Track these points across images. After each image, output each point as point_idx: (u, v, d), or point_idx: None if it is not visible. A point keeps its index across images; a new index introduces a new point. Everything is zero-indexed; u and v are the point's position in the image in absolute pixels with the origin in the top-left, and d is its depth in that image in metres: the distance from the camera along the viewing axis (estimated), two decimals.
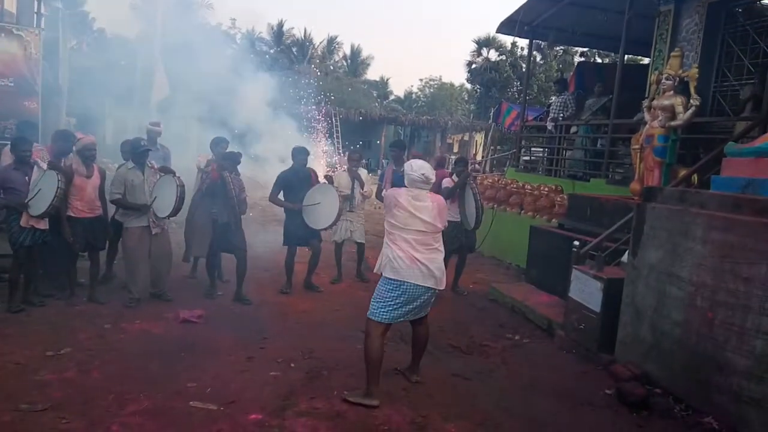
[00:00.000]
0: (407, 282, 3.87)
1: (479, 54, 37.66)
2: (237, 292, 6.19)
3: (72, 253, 5.76)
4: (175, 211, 5.75)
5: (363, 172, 7.53)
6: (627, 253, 5.06)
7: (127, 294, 5.82)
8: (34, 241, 5.35)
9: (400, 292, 3.90)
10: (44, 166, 5.49)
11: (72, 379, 3.98)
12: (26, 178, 5.33)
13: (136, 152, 5.84)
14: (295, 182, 6.57)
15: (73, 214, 5.61)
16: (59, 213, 5.43)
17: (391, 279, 3.91)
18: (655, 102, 6.49)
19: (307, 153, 6.83)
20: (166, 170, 5.94)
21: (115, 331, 5.03)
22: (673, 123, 6.25)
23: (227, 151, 6.48)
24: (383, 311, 3.91)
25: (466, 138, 31.62)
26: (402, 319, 4.02)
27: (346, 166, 7.54)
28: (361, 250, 7.52)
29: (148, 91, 14.85)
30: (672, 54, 6.63)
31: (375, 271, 4.10)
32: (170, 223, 6.37)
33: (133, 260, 5.82)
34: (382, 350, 3.95)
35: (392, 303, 3.90)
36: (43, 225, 5.38)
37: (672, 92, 6.32)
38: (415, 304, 3.95)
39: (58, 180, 5.23)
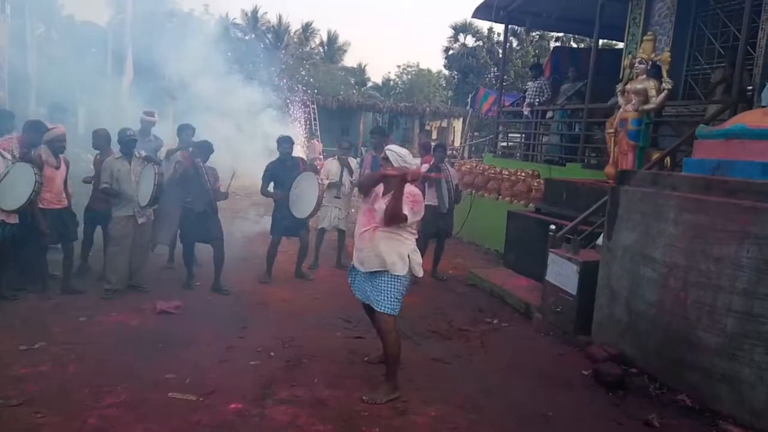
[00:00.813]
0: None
1: (456, 40, 37.58)
2: (215, 283, 6.15)
3: (43, 246, 5.66)
4: (153, 200, 5.73)
5: (352, 161, 7.53)
6: (602, 236, 5.13)
7: (105, 285, 5.74)
8: (4, 236, 5.23)
9: (407, 284, 3.90)
10: (8, 156, 5.35)
11: (47, 373, 3.91)
12: None
13: (123, 141, 5.82)
14: (283, 172, 6.55)
15: (43, 206, 5.50)
16: (32, 206, 5.32)
17: (405, 276, 3.84)
18: (628, 86, 6.56)
19: (292, 142, 6.79)
20: (150, 159, 5.92)
21: (91, 324, 4.95)
22: (646, 107, 6.33)
23: (200, 141, 6.40)
24: (399, 306, 3.86)
25: (445, 125, 31.62)
26: None
27: (336, 155, 7.52)
28: (342, 238, 7.51)
29: (119, 78, 14.56)
30: (644, 38, 6.69)
31: (397, 272, 3.79)
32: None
33: (116, 249, 5.76)
34: None
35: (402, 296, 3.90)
36: (14, 219, 5.26)
37: (645, 76, 6.39)
38: None
39: (35, 174, 5.13)
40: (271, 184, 6.60)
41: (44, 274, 5.76)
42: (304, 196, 6.43)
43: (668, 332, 4.16)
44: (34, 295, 5.57)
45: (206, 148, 6.19)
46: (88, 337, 4.64)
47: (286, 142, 6.67)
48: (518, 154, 12.01)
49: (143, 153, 6.03)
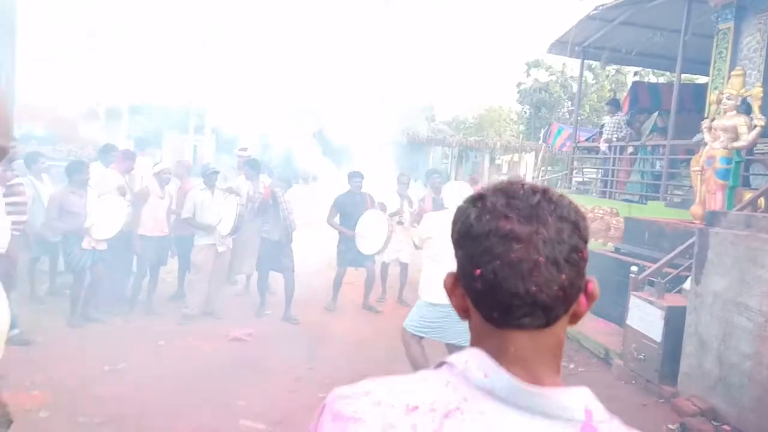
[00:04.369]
0: None
1: (528, 74, 37.35)
2: (286, 312, 6.25)
3: (141, 271, 6.14)
4: (234, 230, 6.03)
5: (411, 194, 7.54)
6: (689, 279, 4.83)
7: (183, 309, 5.99)
8: (94, 261, 5.57)
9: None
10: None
11: (127, 394, 4.06)
12: (83, 200, 5.54)
13: (206, 174, 6.22)
14: (350, 206, 6.66)
15: (144, 233, 5.91)
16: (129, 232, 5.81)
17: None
18: (715, 123, 6.24)
19: (362, 177, 6.91)
20: (231, 191, 6.28)
21: (169, 348, 5.14)
22: (736, 144, 5.98)
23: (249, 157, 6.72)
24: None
25: (516, 159, 31.26)
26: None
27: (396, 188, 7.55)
28: (404, 271, 7.38)
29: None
30: (733, 73, 6.38)
31: None
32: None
33: (196, 277, 6.03)
34: None
35: None
36: (103, 245, 5.61)
37: (734, 112, 6.07)
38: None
39: (127, 206, 5.65)
40: (338, 216, 6.71)
41: (132, 297, 6.10)
42: (372, 233, 6.49)
43: (766, 388, 3.82)
44: (119, 318, 5.85)
45: (286, 181, 6.45)
46: (165, 361, 4.81)
47: (357, 177, 6.80)
48: (594, 191, 11.63)
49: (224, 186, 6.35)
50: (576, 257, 0.73)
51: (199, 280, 6.02)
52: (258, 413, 3.90)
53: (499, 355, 0.74)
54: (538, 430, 0.70)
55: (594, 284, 0.77)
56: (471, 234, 0.75)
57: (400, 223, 7.19)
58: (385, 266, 7.39)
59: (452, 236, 0.79)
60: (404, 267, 7.38)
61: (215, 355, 5.02)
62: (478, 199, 0.77)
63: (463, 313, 0.80)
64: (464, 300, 0.78)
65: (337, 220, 6.73)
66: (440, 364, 0.79)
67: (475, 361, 0.74)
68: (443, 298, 0.92)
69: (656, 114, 9.41)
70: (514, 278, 0.71)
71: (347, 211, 6.66)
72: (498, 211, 0.73)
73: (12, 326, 2.46)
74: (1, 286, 1.85)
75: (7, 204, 4.53)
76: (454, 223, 0.79)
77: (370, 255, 6.66)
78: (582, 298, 0.76)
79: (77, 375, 4.32)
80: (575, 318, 0.78)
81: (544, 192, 0.76)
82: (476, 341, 0.78)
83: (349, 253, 6.66)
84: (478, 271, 0.73)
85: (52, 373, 4.30)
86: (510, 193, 0.75)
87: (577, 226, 0.75)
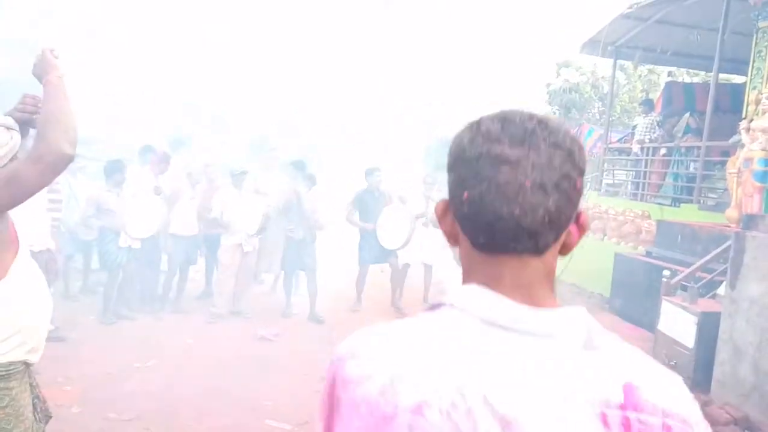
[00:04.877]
0: None
1: (558, 75, 36.84)
2: (311, 311, 6.28)
3: (171, 269, 6.27)
4: (260, 230, 6.11)
5: (437, 195, 7.50)
6: (724, 284, 4.70)
7: (210, 308, 6.06)
8: (129, 259, 5.70)
9: None
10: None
11: (156, 391, 4.14)
12: (119, 199, 5.67)
13: (234, 175, 6.26)
14: (370, 202, 6.65)
15: (175, 233, 6.02)
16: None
17: None
18: (754, 123, 6.05)
19: (380, 172, 6.88)
20: (258, 192, 6.41)
21: (197, 346, 5.21)
22: None
23: (307, 173, 6.66)
24: None
25: None
26: None
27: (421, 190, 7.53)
28: (428, 273, 7.31)
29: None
30: None
31: None
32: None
33: (224, 276, 6.10)
34: None
35: None
36: (137, 243, 5.72)
37: None
38: None
39: (162, 206, 5.78)
40: (357, 213, 6.71)
41: (163, 295, 6.22)
42: (394, 228, 6.47)
43: None
44: (150, 315, 5.97)
45: (311, 180, 6.45)
46: (194, 359, 4.88)
47: (375, 173, 6.78)
48: (625, 193, 11.41)
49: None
50: (566, 185, 0.71)
51: (226, 280, 6.10)
52: (284, 413, 3.92)
53: (496, 282, 0.73)
54: (545, 351, 0.70)
55: (585, 215, 0.76)
56: (463, 157, 0.74)
57: (424, 225, 7.16)
58: (405, 267, 7.29)
59: (447, 162, 0.77)
60: (428, 269, 7.35)
61: (242, 355, 5.07)
62: (474, 124, 0.76)
63: (452, 239, 0.79)
64: (453, 226, 0.77)
65: (356, 217, 6.73)
66: (437, 305, 0.77)
67: (474, 296, 0.73)
68: None
69: (688, 115, 9.19)
70: (499, 200, 0.70)
71: (367, 208, 6.65)
72: (491, 135, 0.72)
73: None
74: (44, 280, 1.90)
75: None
76: (450, 148, 0.77)
77: (393, 250, 6.64)
78: (573, 228, 0.75)
79: (108, 372, 4.42)
80: (566, 248, 0.77)
81: (541, 119, 0.74)
82: (467, 270, 0.77)
83: (371, 251, 6.64)
84: (466, 195, 0.72)
85: (84, 370, 4.40)
86: (506, 118, 0.74)
87: (571, 154, 0.73)
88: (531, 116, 0.74)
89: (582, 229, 0.76)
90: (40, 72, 1.75)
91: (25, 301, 1.76)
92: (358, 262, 6.85)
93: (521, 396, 0.67)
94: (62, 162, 1.64)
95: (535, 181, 0.70)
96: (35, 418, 1.84)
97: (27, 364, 1.80)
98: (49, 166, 1.62)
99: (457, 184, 0.75)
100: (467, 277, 0.77)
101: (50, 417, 1.96)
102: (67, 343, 4.91)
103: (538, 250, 0.73)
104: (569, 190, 0.72)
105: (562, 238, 0.75)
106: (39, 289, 1.84)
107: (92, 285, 6.64)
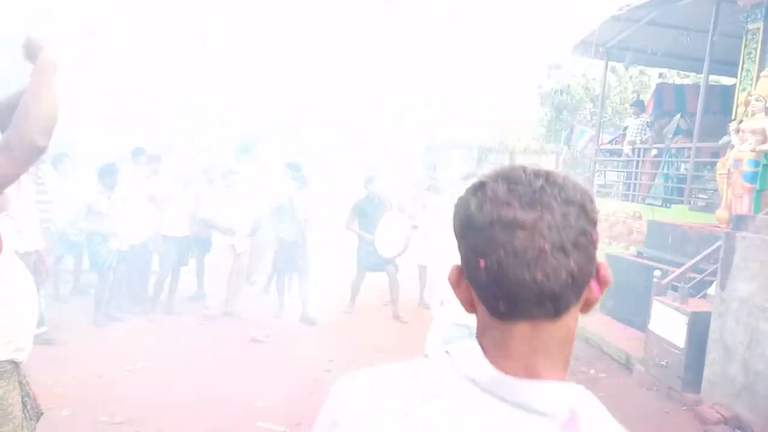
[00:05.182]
0: None
1: (549, 77, 36.99)
2: (303, 313, 6.27)
3: (164, 270, 6.24)
4: (252, 231, 6.14)
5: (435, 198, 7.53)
6: (714, 284, 4.73)
7: (203, 310, 6.04)
8: (119, 261, 5.67)
9: None
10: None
11: (148, 394, 4.11)
12: (111, 202, 5.65)
13: (225, 175, 6.30)
14: (370, 210, 6.66)
15: (167, 233, 6.01)
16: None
17: None
18: (743, 125, 6.11)
19: (380, 179, 6.92)
20: (250, 192, 6.42)
21: (189, 348, 5.18)
22: (764, 146, 5.84)
23: (299, 174, 6.66)
24: None
25: (536, 161, 31.02)
26: None
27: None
28: (422, 274, 7.39)
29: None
30: (762, 74, 6.26)
31: None
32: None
33: (216, 277, 6.10)
34: None
35: None
36: (127, 246, 5.70)
37: (763, 114, 5.93)
38: None
39: (155, 210, 5.80)
40: (356, 221, 6.71)
41: (154, 297, 6.19)
42: (392, 236, 6.48)
43: None
44: (141, 317, 5.93)
45: (303, 181, 6.45)
46: (185, 360, 4.85)
47: (373, 181, 6.80)
48: (616, 194, 11.46)
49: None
50: (584, 241, 0.69)
51: (217, 281, 6.08)
52: (276, 415, 3.91)
53: (498, 347, 0.72)
54: (515, 422, 0.68)
55: (605, 268, 0.73)
56: (473, 224, 0.71)
57: (414, 227, 7.18)
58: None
59: (454, 228, 0.76)
60: (423, 269, 7.36)
61: (234, 356, 5.05)
62: (478, 188, 0.74)
63: (469, 306, 0.77)
64: (469, 293, 0.76)
65: (356, 225, 6.73)
66: (444, 353, 0.78)
67: (467, 352, 0.73)
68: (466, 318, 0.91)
69: (678, 116, 9.25)
70: (519, 267, 0.67)
71: (367, 215, 6.66)
72: (500, 199, 0.70)
73: (39, 324, 2.50)
74: (32, 282, 1.88)
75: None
76: (455, 214, 0.76)
77: (391, 258, 6.65)
78: (593, 284, 0.72)
79: (99, 374, 4.39)
80: (588, 306, 0.74)
81: (548, 175, 0.72)
82: (480, 334, 0.76)
83: (369, 258, 6.64)
84: (482, 263, 0.70)
85: (74, 372, 4.37)
86: (511, 179, 0.72)
87: (584, 208, 0.71)
88: (536, 173, 0.73)
89: (603, 283, 0.73)
90: (28, 55, 1.73)
91: (10, 300, 1.74)
92: (356, 266, 6.86)
93: None
94: (34, 153, 1.61)
95: (554, 243, 0.68)
96: (25, 416, 1.83)
97: (15, 363, 1.79)
98: (20, 157, 1.60)
99: (469, 252, 0.72)
100: (479, 338, 0.76)
101: (41, 414, 1.95)
102: (57, 345, 4.87)
103: (558, 313, 0.71)
104: (588, 246, 0.70)
105: (584, 296, 0.72)
106: (25, 289, 1.82)
107: (83, 287, 6.59)
